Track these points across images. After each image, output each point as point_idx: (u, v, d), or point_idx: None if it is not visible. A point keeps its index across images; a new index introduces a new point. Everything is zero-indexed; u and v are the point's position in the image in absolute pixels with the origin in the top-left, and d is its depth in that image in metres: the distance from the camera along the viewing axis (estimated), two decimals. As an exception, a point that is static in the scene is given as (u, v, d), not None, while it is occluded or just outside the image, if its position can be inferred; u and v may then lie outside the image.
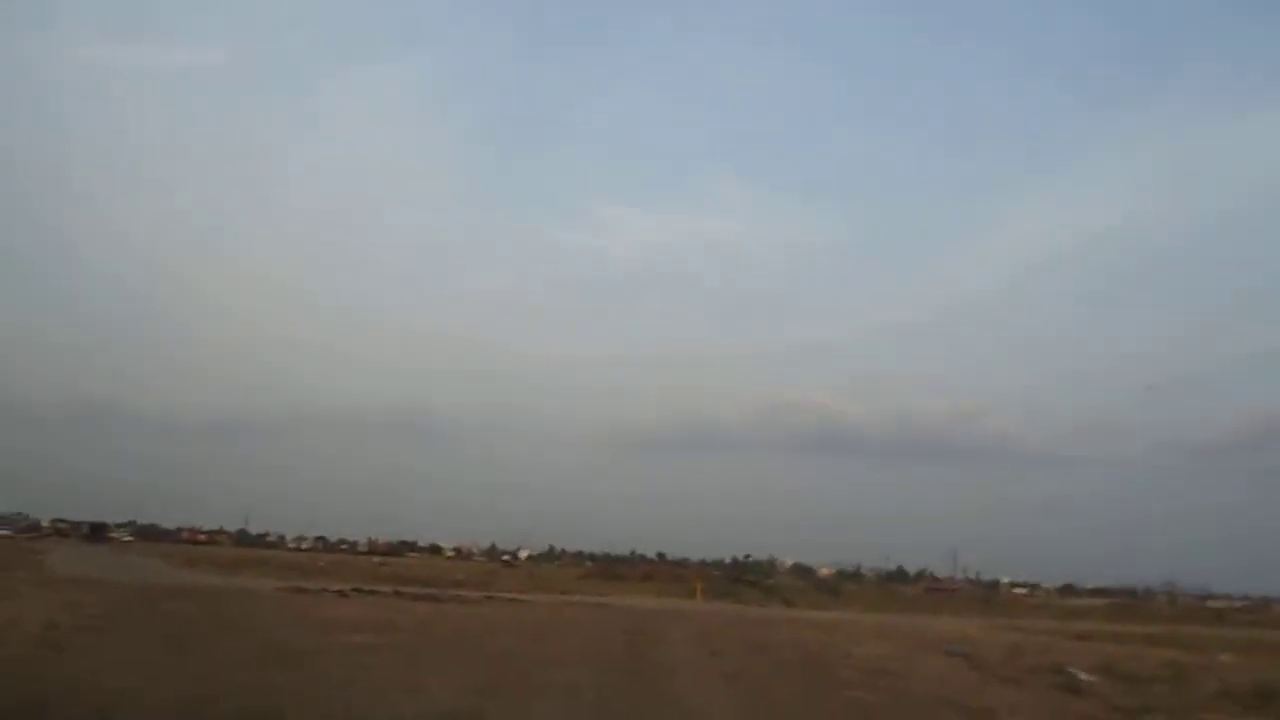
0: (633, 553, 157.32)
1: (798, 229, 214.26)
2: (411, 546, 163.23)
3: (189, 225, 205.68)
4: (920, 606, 65.34)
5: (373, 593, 36.32)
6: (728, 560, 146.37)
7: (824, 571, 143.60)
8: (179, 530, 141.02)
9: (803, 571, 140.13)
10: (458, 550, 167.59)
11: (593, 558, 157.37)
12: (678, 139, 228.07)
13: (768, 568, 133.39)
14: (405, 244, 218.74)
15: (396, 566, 76.32)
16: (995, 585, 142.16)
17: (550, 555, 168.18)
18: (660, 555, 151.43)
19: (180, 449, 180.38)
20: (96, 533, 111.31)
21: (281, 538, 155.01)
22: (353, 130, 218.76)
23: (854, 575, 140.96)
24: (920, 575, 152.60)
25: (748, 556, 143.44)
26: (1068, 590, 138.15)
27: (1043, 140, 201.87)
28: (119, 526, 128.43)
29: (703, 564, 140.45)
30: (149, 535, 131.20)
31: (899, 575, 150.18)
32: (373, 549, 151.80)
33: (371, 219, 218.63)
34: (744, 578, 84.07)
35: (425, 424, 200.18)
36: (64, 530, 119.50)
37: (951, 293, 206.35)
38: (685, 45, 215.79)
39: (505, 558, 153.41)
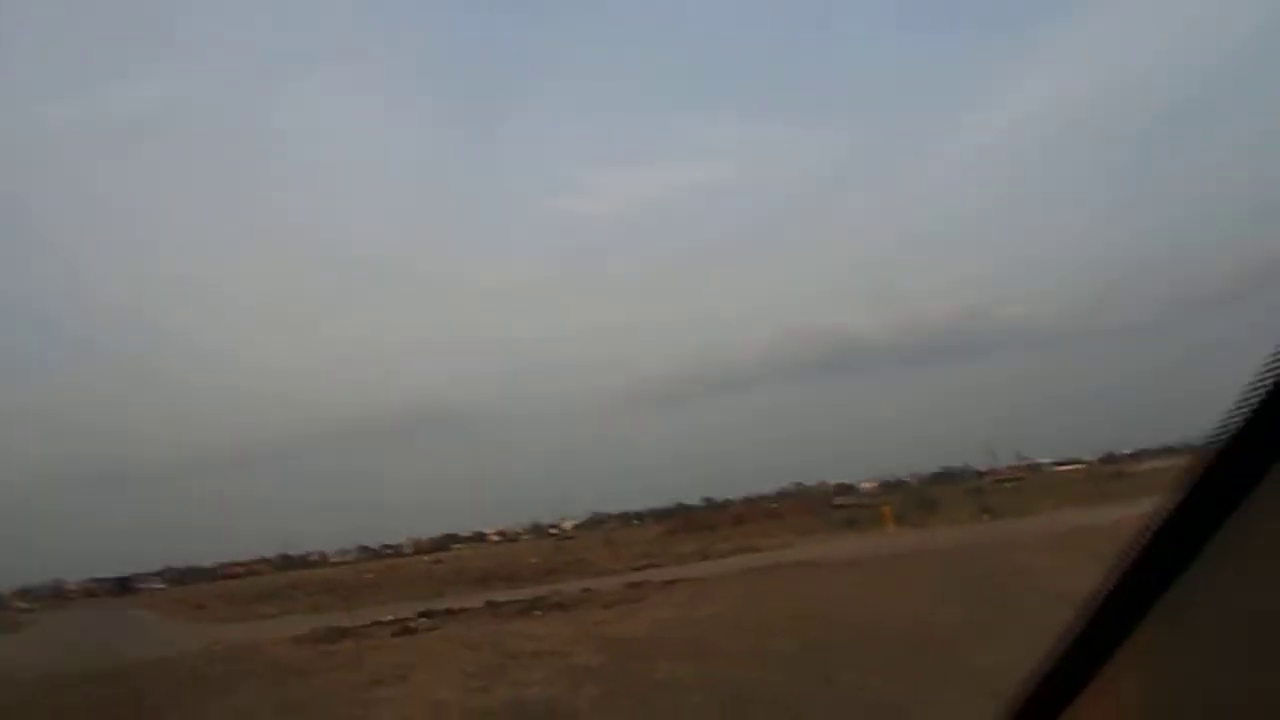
0: (678, 504, 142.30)
1: (783, 154, 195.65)
2: (455, 538, 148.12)
3: (170, 266, 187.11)
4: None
5: (450, 612, 20.62)
6: (772, 492, 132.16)
7: (866, 485, 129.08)
8: (218, 567, 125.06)
9: (846, 490, 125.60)
10: (502, 533, 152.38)
11: (639, 516, 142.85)
12: (645, 86, 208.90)
13: (824, 492, 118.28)
14: (390, 241, 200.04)
15: (451, 563, 61.03)
16: (1037, 467, 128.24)
17: (595, 521, 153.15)
18: (708, 500, 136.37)
19: (204, 485, 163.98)
20: (124, 586, 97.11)
21: (324, 555, 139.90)
22: (316, 139, 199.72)
23: (899, 485, 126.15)
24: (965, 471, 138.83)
25: (799, 484, 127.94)
26: (1109, 459, 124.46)
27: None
28: (151, 576, 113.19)
29: (756, 499, 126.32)
30: (186, 578, 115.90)
31: (945, 476, 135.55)
32: (418, 548, 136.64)
33: (352, 221, 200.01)
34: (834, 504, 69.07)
35: (443, 418, 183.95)
36: (93, 590, 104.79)
37: (946, 189, 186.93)
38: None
39: (552, 531, 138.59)
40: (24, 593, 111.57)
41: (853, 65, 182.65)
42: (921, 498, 53.46)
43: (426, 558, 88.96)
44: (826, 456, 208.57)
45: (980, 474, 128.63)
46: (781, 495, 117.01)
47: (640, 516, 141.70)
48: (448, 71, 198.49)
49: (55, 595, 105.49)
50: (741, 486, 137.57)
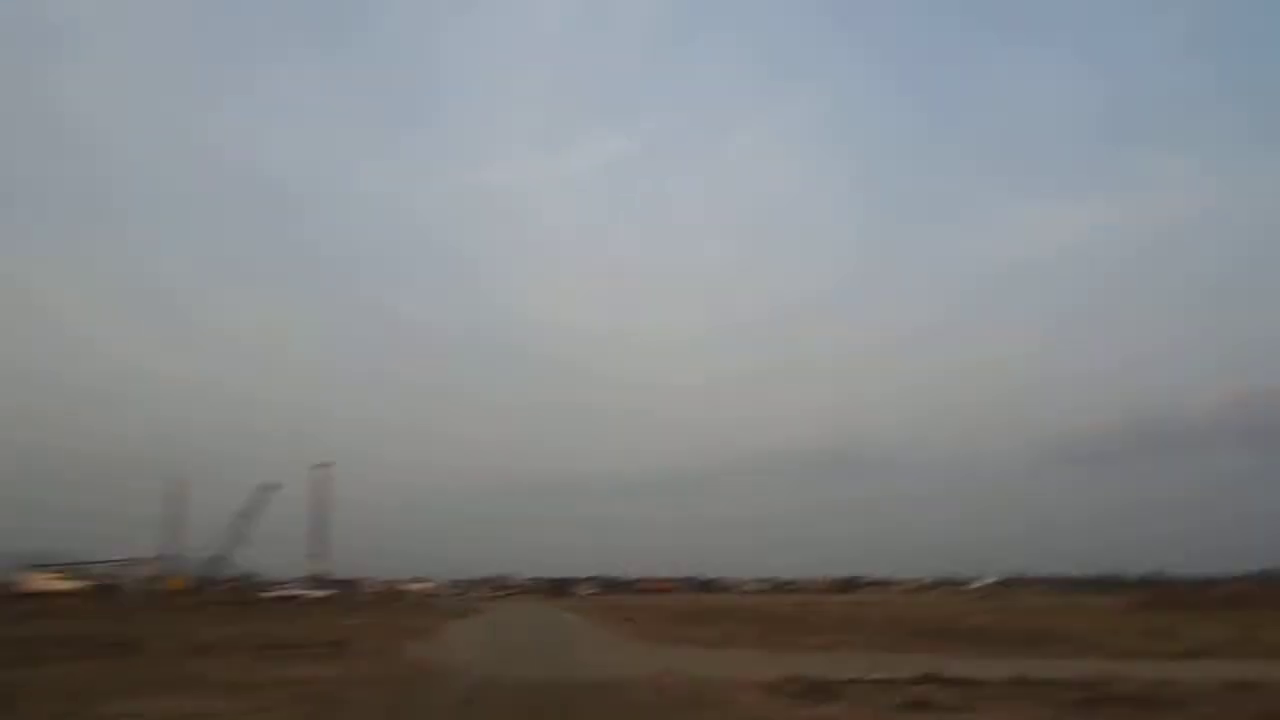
0: (1110, 575, 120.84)
1: (1236, 184, 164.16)
2: (855, 582, 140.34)
3: (620, 298, 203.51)
4: None
5: (963, 683, 14.58)
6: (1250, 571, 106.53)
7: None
8: (637, 581, 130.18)
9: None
10: (905, 584, 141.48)
11: (1057, 582, 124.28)
12: (1073, 124, 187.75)
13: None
14: (817, 286, 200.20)
15: (874, 609, 54.43)
16: None
17: (1005, 583, 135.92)
18: (1156, 573, 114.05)
19: (634, 508, 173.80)
20: (559, 588, 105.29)
21: (732, 581, 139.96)
22: (753, 184, 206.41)
23: None
24: None
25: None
26: None
27: None
28: (584, 581, 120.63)
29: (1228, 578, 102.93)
30: (611, 587, 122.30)
31: None
32: (818, 587, 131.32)
33: (778, 265, 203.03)
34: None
35: (853, 456, 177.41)
36: (529, 587, 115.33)
37: None
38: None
39: (962, 588, 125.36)
40: (479, 581, 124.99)
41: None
42: None
43: (838, 598, 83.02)
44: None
45: None
46: (1266, 576, 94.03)
47: (1061, 584, 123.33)
48: (865, 123, 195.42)
49: (501, 587, 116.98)
50: (1187, 560, 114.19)
